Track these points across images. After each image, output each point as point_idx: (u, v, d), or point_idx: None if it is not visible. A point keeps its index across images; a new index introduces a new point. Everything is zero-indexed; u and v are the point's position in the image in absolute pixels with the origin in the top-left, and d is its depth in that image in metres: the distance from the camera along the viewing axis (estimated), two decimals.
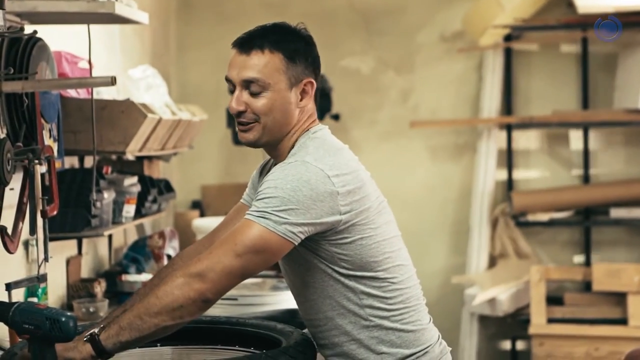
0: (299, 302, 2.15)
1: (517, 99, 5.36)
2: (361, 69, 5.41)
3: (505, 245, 5.24)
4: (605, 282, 4.80)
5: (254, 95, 2.01)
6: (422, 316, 2.12)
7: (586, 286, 5.09)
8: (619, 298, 4.80)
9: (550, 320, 4.80)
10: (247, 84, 2.01)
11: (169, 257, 3.71)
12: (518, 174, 5.37)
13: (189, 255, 2.27)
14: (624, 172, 5.25)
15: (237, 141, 4.84)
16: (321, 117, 4.87)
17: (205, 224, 4.52)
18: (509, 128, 5.28)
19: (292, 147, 2.07)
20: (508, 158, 5.31)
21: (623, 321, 4.74)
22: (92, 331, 1.89)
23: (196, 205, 5.17)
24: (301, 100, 2.06)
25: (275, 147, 2.09)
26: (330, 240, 2.00)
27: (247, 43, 2.04)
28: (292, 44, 2.05)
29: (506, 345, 5.31)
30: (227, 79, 2.06)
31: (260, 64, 2.01)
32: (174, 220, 4.80)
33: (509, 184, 5.32)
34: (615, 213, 5.07)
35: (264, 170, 2.24)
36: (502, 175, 5.34)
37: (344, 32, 5.36)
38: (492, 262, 5.29)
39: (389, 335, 2.05)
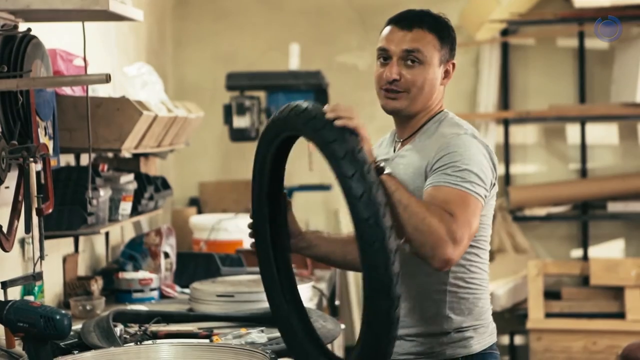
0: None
1: (514, 94, 5.36)
2: (358, 65, 5.41)
3: (503, 240, 5.25)
4: (603, 277, 4.80)
5: (409, 67, 2.21)
6: (488, 298, 2.28)
7: (584, 280, 5.10)
8: (617, 292, 4.81)
9: (548, 315, 4.81)
10: (407, 54, 2.21)
11: (165, 254, 3.71)
12: (515, 169, 5.37)
13: None
14: (621, 166, 5.25)
15: (234, 138, 4.84)
16: None
17: (202, 221, 4.52)
18: (506, 123, 5.27)
19: (426, 122, 2.25)
20: (505, 152, 5.31)
21: (621, 315, 4.75)
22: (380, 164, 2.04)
23: (194, 202, 5.16)
24: (444, 78, 2.26)
25: (412, 119, 2.26)
26: None
27: (408, 20, 2.24)
28: (444, 29, 2.25)
29: (504, 340, 5.31)
30: (382, 49, 2.24)
31: (422, 39, 2.21)
32: (171, 218, 4.79)
33: (507, 179, 5.32)
34: (613, 207, 5.07)
35: (381, 145, 2.38)
36: (500, 170, 5.32)
37: (340, 28, 5.35)
38: (490, 256, 5.27)
39: (460, 304, 2.19)
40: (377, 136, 2.45)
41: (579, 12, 4.99)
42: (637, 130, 5.28)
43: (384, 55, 2.23)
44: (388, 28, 2.26)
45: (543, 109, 5.15)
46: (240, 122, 4.76)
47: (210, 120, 4.99)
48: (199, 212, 5.01)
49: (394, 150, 2.30)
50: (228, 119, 4.80)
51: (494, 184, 2.18)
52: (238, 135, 4.80)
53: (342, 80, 5.30)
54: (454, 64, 2.28)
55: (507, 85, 5.32)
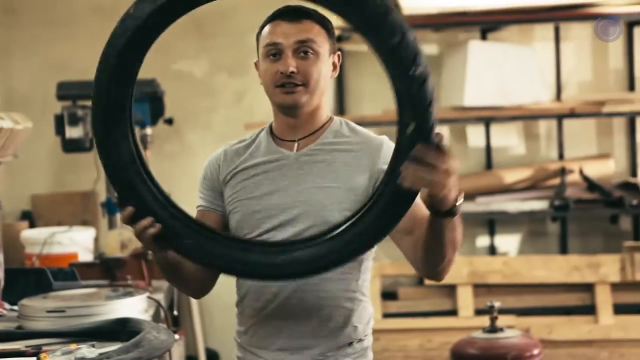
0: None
1: (349, 99, 5.46)
2: (194, 72, 5.39)
3: None
4: None
5: (303, 59, 2.14)
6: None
7: (420, 280, 5.24)
8: (449, 290, 4.97)
9: (386, 315, 4.92)
10: (300, 45, 2.13)
11: None
12: None
13: None
14: None
15: (67, 149, 4.73)
16: (154, 121, 4.82)
17: (34, 235, 4.39)
18: None
19: (328, 120, 2.23)
20: None
21: (454, 312, 4.91)
22: None
23: (26, 215, 5.01)
24: (332, 71, 2.22)
25: (309, 115, 2.19)
26: None
27: (295, 13, 2.17)
28: (328, 22, 2.21)
29: None
30: (270, 45, 2.15)
31: (313, 29, 2.16)
32: (1, 232, 4.63)
33: None
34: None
35: (249, 149, 2.28)
36: None
37: (175, 35, 5.26)
38: None
39: (361, 310, 2.23)
40: (214, 145, 2.43)
41: (407, 19, 5.06)
42: (465, 133, 5.48)
43: (274, 51, 2.15)
44: (273, 23, 2.19)
45: (378, 113, 5.27)
46: (72, 132, 4.65)
47: (42, 131, 4.85)
48: (32, 225, 4.86)
49: (291, 150, 2.21)
50: (60, 130, 4.68)
51: None
52: (71, 146, 4.69)
53: (178, 88, 5.26)
54: (339, 56, 2.25)
55: (342, 91, 5.42)
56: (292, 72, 2.13)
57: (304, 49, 2.14)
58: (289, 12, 2.18)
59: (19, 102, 5.15)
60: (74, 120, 4.66)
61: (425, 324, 4.84)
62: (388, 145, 2.16)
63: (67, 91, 4.72)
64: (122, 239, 4.37)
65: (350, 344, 2.21)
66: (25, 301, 3.14)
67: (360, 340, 2.24)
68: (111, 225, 4.81)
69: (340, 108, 5.41)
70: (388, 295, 5.07)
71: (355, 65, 5.45)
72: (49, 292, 3.46)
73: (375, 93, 5.45)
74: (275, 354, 2.22)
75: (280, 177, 2.20)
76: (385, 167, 1.99)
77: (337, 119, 2.26)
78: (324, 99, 2.22)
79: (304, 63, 2.14)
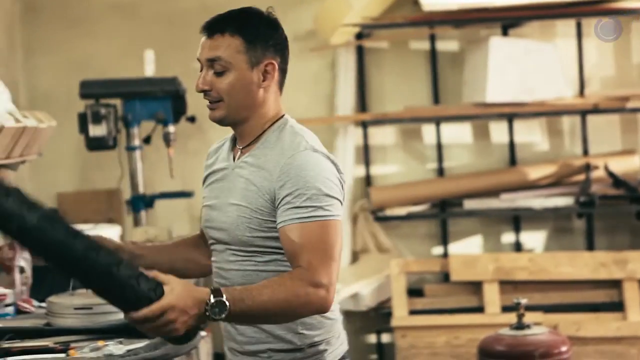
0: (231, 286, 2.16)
1: (371, 96, 5.44)
2: None
3: (366, 240, 5.32)
4: (462, 272, 4.93)
5: (218, 75, 2.14)
6: (338, 307, 2.24)
7: (445, 277, 5.21)
8: (476, 287, 4.94)
9: (412, 312, 4.90)
10: (210, 63, 2.14)
11: (21, 269, 3.58)
12: (375, 170, 5.45)
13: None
14: (475, 164, 5.41)
15: (91, 147, 4.74)
16: (176, 119, 4.82)
17: None
18: (364, 125, 5.35)
19: (265, 130, 2.18)
20: (365, 154, 5.39)
21: (480, 309, 4.88)
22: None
23: None
24: (264, 80, 2.16)
25: (243, 126, 2.19)
26: None
27: (211, 27, 2.17)
28: (252, 28, 2.17)
29: (372, 338, 5.39)
30: (198, 59, 2.19)
31: (222, 45, 2.14)
32: None
33: (367, 180, 5.40)
34: (468, 204, 5.21)
35: (218, 152, 2.30)
36: (361, 171, 5.41)
37: (195, 33, 5.24)
38: (354, 257, 5.36)
39: (311, 319, 2.13)
40: None
41: (428, 15, 5.10)
42: (489, 130, 5.45)
43: (200, 66, 2.19)
44: (202, 37, 2.20)
45: (399, 110, 5.25)
46: (96, 130, 4.66)
47: (66, 130, 4.86)
48: None
49: (234, 159, 2.22)
50: (84, 128, 4.69)
51: (344, 190, 2.15)
52: (95, 144, 4.70)
53: None
54: (273, 64, 2.17)
55: (363, 88, 5.40)
56: (203, 90, 2.16)
57: (214, 67, 2.15)
58: (207, 26, 2.18)
59: (43, 100, 5.16)
60: (97, 119, 4.67)
61: (452, 320, 4.81)
62: (289, 166, 2.09)
63: (90, 89, 4.73)
64: (147, 236, 4.38)
65: (301, 349, 2.18)
66: (53, 298, 3.14)
67: (312, 344, 2.18)
68: (136, 222, 4.82)
69: (362, 105, 5.39)
70: (414, 292, 5.05)
71: (376, 63, 5.43)
72: (76, 289, 3.46)
73: (397, 90, 5.42)
74: (230, 354, 2.26)
75: (219, 189, 2.22)
76: (280, 191, 2.06)
77: (277, 125, 2.20)
78: (259, 110, 2.18)
79: (216, 80, 2.15)
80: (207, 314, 1.89)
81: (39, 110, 4.32)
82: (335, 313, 2.21)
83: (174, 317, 1.85)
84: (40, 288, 3.63)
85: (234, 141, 2.26)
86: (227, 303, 1.89)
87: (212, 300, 1.89)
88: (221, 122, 2.18)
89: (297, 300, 1.97)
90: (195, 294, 1.89)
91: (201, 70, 2.18)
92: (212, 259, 2.25)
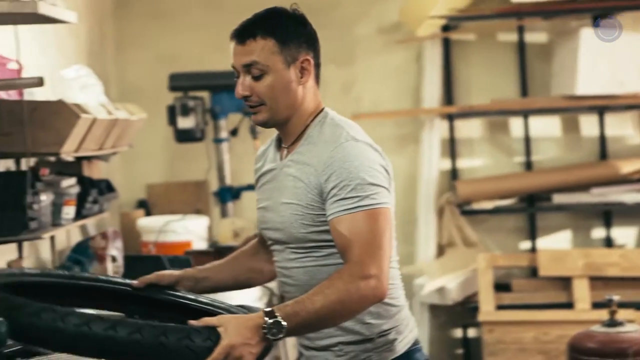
0: (295, 285, 2.17)
1: (457, 89, 5.39)
2: None
3: (452, 234, 5.27)
4: (551, 268, 4.85)
5: (256, 79, 2.13)
6: (402, 294, 2.23)
7: (533, 272, 5.14)
8: (565, 283, 4.86)
9: (499, 307, 4.84)
10: (247, 68, 2.13)
11: (113, 258, 3.66)
12: (461, 163, 5.40)
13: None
14: (564, 158, 5.31)
15: (179, 139, 4.81)
16: None
17: (150, 223, 4.48)
18: (450, 117, 5.30)
19: (307, 126, 2.18)
20: (451, 147, 5.34)
21: (569, 305, 4.80)
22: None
23: (142, 204, 5.11)
24: (302, 77, 2.15)
25: (287, 125, 2.19)
26: None
27: (241, 33, 2.16)
28: (282, 27, 2.16)
29: (457, 333, 5.34)
30: (233, 67, 2.18)
31: (256, 49, 2.12)
32: (119, 221, 4.74)
33: (453, 173, 5.35)
34: (558, 199, 5.12)
35: (266, 154, 2.30)
36: (446, 164, 5.37)
37: None
38: (440, 251, 5.32)
39: (377, 307, 2.12)
40: None
41: (517, 6, 5.03)
42: (578, 122, 5.34)
43: (236, 73, 2.17)
44: (232, 43, 2.18)
45: (486, 103, 5.19)
46: (184, 122, 4.73)
47: (156, 122, 4.95)
48: (147, 214, 4.96)
49: (281, 158, 2.22)
50: (172, 120, 4.77)
51: (390, 177, 2.14)
52: (183, 136, 4.77)
53: None
54: (308, 60, 2.16)
55: (450, 81, 5.35)
56: (245, 96, 2.15)
57: (251, 72, 2.14)
58: (236, 34, 2.17)
59: (133, 93, 5.25)
60: (186, 111, 4.73)
61: (540, 316, 4.74)
62: (332, 159, 2.09)
63: (178, 82, 4.79)
64: (234, 227, 4.43)
65: (371, 339, 2.17)
66: None
67: (381, 334, 2.17)
68: (223, 214, 4.87)
69: (448, 98, 5.34)
70: (501, 287, 4.99)
71: (463, 55, 5.37)
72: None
73: (483, 82, 5.36)
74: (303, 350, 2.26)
75: (270, 190, 2.22)
76: (326, 184, 2.06)
77: (318, 119, 2.19)
78: (300, 107, 2.17)
79: (255, 84, 2.14)
80: (267, 336, 1.91)
81: (129, 102, 4.40)
82: (400, 300, 2.21)
83: (239, 353, 1.88)
84: (131, 277, 3.70)
85: (279, 141, 2.26)
86: (283, 321, 1.92)
87: (268, 322, 1.91)
88: (265, 124, 2.18)
89: (350, 298, 1.98)
90: (249, 323, 1.91)
91: (237, 77, 2.16)
92: (274, 259, 2.26)
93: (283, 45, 2.13)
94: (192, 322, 1.91)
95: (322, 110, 2.21)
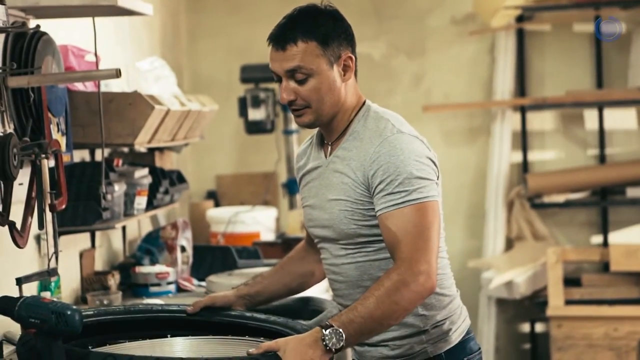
0: (345, 282, 2.18)
1: (530, 80, 5.33)
2: (372, 55, 5.39)
3: (522, 227, 5.22)
4: (623, 263, 4.77)
5: (300, 83, 2.11)
6: (453, 284, 2.24)
7: (604, 267, 5.06)
8: (637, 278, 4.78)
9: (568, 302, 4.78)
10: (291, 73, 2.10)
11: (182, 248, 3.72)
12: (533, 156, 5.34)
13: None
14: (639, 151, 5.21)
15: (250, 130, 4.85)
16: None
17: (219, 214, 4.53)
18: (522, 110, 5.24)
19: (350, 123, 2.16)
20: (522, 140, 5.28)
21: None
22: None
23: (211, 195, 5.17)
24: (344, 75, 2.14)
25: (331, 123, 2.17)
26: None
27: (280, 39, 2.12)
28: (321, 28, 2.12)
29: (525, 327, 5.29)
30: (272, 71, 2.15)
31: (298, 54, 2.09)
32: (188, 211, 4.81)
33: (524, 166, 5.29)
34: (632, 193, 5.04)
35: (307, 152, 2.30)
36: (517, 157, 5.31)
37: (354, 17, 5.23)
38: (509, 244, 5.28)
39: (429, 299, 2.12)
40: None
41: None
42: None
43: (275, 77, 2.15)
44: (270, 48, 2.15)
45: (560, 95, 5.12)
46: (255, 114, 4.76)
47: (226, 113, 5.00)
48: (217, 205, 5.02)
49: (325, 156, 2.22)
50: (243, 112, 4.80)
51: (437, 169, 2.13)
52: (253, 128, 4.81)
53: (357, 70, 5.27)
54: (350, 56, 2.14)
55: (523, 72, 5.29)
56: (292, 100, 2.12)
57: (296, 76, 2.10)
58: (275, 40, 2.13)
59: (205, 84, 5.31)
60: (257, 103, 4.76)
61: (611, 312, 4.67)
62: (378, 154, 2.08)
63: (250, 74, 4.83)
64: (302, 219, 4.44)
65: (425, 331, 2.16)
66: (212, 277, 3.24)
67: (436, 325, 2.17)
68: (292, 205, 4.90)
69: (521, 90, 5.28)
70: (571, 281, 4.93)
71: (537, 46, 5.30)
72: (234, 269, 3.56)
73: (557, 74, 5.28)
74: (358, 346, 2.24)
75: (316, 188, 2.22)
76: (373, 179, 2.06)
77: (360, 113, 2.17)
78: (344, 104, 2.15)
79: (300, 88, 2.11)
80: (328, 347, 1.92)
81: (201, 94, 4.45)
82: (451, 289, 2.21)
83: None
84: (200, 267, 3.77)
85: (321, 138, 2.26)
86: (340, 330, 1.93)
87: (326, 333, 1.92)
88: (311, 126, 2.18)
89: (402, 298, 1.98)
90: (308, 339, 1.93)
91: (277, 81, 2.14)
92: (322, 256, 2.26)
93: (325, 45, 2.11)
94: (251, 351, 1.93)
95: (364, 103, 2.20)
